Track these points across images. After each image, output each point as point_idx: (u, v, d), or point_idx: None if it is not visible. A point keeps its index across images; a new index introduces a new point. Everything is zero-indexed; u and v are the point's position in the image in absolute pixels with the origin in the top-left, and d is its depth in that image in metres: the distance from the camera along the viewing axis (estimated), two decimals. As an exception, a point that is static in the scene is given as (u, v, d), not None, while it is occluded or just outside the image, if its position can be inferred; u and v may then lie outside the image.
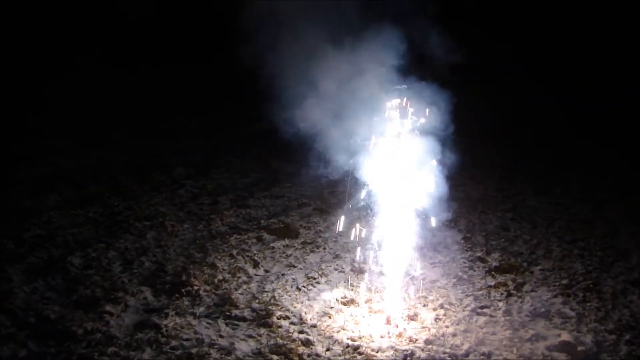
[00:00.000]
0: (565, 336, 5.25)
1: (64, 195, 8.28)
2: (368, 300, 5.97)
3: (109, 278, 6.10)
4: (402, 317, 5.68)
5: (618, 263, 6.93)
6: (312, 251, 7.10)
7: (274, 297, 5.90)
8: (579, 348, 5.12)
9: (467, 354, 5.07)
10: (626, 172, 10.25)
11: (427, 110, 5.69)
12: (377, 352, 5.06)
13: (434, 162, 5.67)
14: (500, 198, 9.13)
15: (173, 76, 14.07)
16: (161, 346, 5.00)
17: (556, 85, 13.50)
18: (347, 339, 5.26)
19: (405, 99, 5.69)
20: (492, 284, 6.40)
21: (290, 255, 6.96)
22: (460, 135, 5.99)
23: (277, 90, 6.10)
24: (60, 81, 13.05)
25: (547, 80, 13.62)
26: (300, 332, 5.31)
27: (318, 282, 6.33)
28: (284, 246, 7.17)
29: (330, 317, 5.62)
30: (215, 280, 6.15)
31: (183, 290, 5.89)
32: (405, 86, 5.69)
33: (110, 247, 6.79)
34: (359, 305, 5.90)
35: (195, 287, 5.94)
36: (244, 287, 6.11)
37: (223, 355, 4.93)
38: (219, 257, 6.68)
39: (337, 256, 6.97)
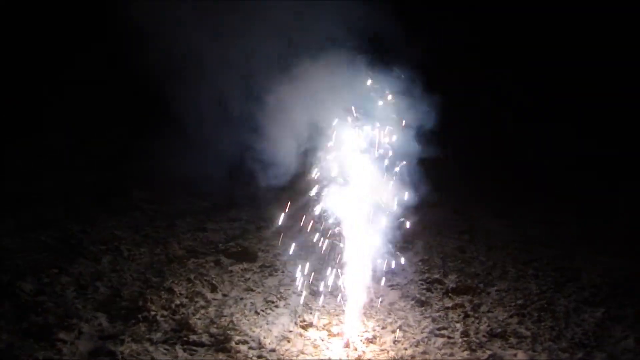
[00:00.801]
0: (521, 356, 5.34)
1: (18, 219, 8.06)
2: (327, 324, 5.96)
3: (62, 304, 5.93)
4: (361, 340, 5.69)
5: (570, 283, 7.10)
6: (270, 274, 7.07)
7: (232, 321, 5.83)
8: (535, 368, 5.21)
9: (425, 376, 5.09)
10: (583, 194, 10.54)
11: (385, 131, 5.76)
12: (336, 375, 5.05)
13: (392, 185, 5.74)
14: (457, 221, 9.26)
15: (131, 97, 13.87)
16: (116, 374, 4.89)
17: (515, 104, 13.63)
18: (307, 363, 5.23)
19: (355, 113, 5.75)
20: (450, 305, 6.47)
21: (249, 279, 6.92)
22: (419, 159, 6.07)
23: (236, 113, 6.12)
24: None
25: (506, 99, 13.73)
26: (259, 356, 5.26)
27: (277, 306, 6.29)
28: (242, 270, 7.12)
29: (289, 341, 5.58)
30: (173, 305, 6.05)
31: (139, 315, 5.77)
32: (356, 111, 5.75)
33: (64, 272, 6.61)
34: (318, 329, 5.89)
35: (152, 313, 5.83)
36: (202, 311, 6.03)
37: (180, 382, 4.85)
38: (176, 282, 6.58)
39: (295, 279, 6.94)
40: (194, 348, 5.34)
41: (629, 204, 10.01)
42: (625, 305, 6.52)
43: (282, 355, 5.33)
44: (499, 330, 5.91)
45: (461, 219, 9.38)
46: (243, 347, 5.39)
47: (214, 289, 6.54)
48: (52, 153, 11.13)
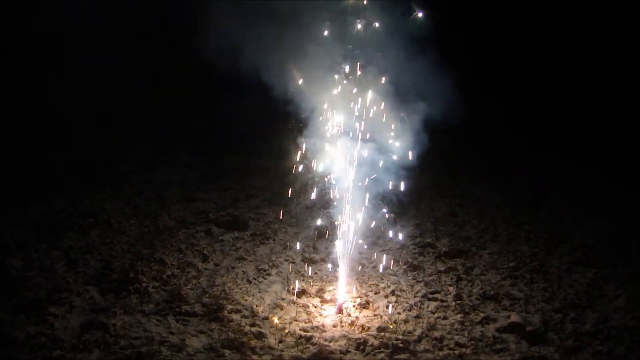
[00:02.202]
0: (514, 317, 5.34)
1: (2, 195, 7.95)
2: (319, 290, 5.95)
3: (52, 279, 5.88)
4: (354, 306, 5.69)
5: (562, 244, 7.13)
6: (262, 243, 7.04)
7: (224, 290, 5.80)
8: (528, 328, 5.21)
9: (419, 340, 5.09)
10: (570, 161, 10.55)
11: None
12: (330, 341, 5.04)
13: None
14: (448, 185, 9.24)
15: (115, 70, 13.65)
16: (110, 346, 4.84)
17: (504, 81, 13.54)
18: (300, 330, 5.22)
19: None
20: (442, 269, 6.47)
21: (240, 247, 6.88)
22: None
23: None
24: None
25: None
26: (252, 325, 5.24)
27: (269, 274, 6.27)
28: (233, 239, 7.08)
29: (282, 309, 5.57)
30: (164, 276, 6.01)
31: (131, 287, 5.73)
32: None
33: (53, 246, 6.55)
34: (310, 296, 5.88)
35: (144, 284, 5.79)
36: (194, 282, 6.00)
37: (174, 353, 4.82)
38: (167, 253, 6.53)
39: (287, 247, 6.92)
40: (187, 318, 5.31)
41: (616, 166, 10.04)
42: (616, 265, 6.56)
43: (276, 323, 5.32)
44: (492, 292, 5.92)
45: (451, 182, 9.35)
46: (236, 316, 5.36)
47: (205, 259, 6.51)
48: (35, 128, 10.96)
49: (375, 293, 5.95)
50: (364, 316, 5.51)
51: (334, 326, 5.32)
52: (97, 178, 8.89)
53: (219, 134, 11.37)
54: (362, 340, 5.06)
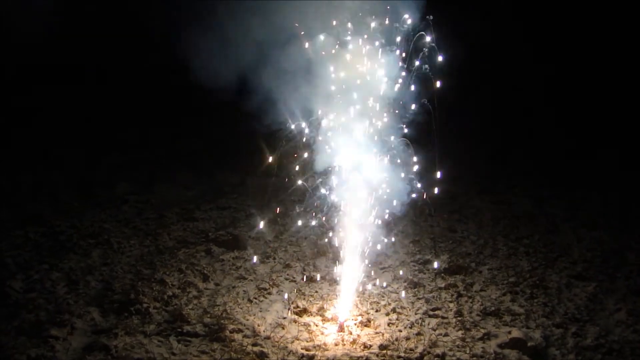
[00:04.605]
0: (516, 333, 5.35)
1: (4, 216, 7.97)
2: (320, 309, 5.95)
3: (53, 300, 5.88)
4: (355, 324, 5.69)
5: (561, 258, 7.16)
6: (262, 262, 7.04)
7: (225, 310, 5.81)
8: (529, 344, 5.22)
9: (421, 357, 5.10)
10: (564, 168, 10.63)
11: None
12: (332, 360, 5.05)
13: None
14: (445, 200, 9.26)
15: (110, 90, 13.71)
16: (111, 368, 4.85)
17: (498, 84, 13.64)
18: (302, 349, 5.22)
19: None
20: (443, 285, 6.48)
21: (241, 267, 6.88)
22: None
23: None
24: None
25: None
26: (254, 344, 5.24)
27: (269, 293, 6.28)
28: (233, 258, 7.09)
29: (283, 328, 5.58)
30: (165, 297, 6.01)
31: (132, 308, 5.73)
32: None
33: (54, 268, 6.55)
34: (311, 314, 5.88)
35: (145, 305, 5.79)
36: (195, 301, 6.00)
37: (176, 374, 4.83)
38: (167, 273, 6.54)
39: (287, 265, 6.93)
40: (188, 339, 5.30)
41: (612, 177, 10.13)
42: (616, 278, 6.59)
43: (277, 342, 5.32)
44: (493, 308, 5.93)
45: (449, 198, 9.38)
46: (237, 336, 5.36)
47: (205, 279, 6.51)
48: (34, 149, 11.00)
49: (376, 311, 5.96)
50: (365, 334, 5.52)
51: (336, 345, 5.32)
52: (96, 198, 8.91)
53: (216, 151, 11.42)
54: (364, 358, 5.06)
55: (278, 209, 8.19)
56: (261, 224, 7.91)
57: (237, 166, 10.36)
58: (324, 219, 6.07)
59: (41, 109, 12.39)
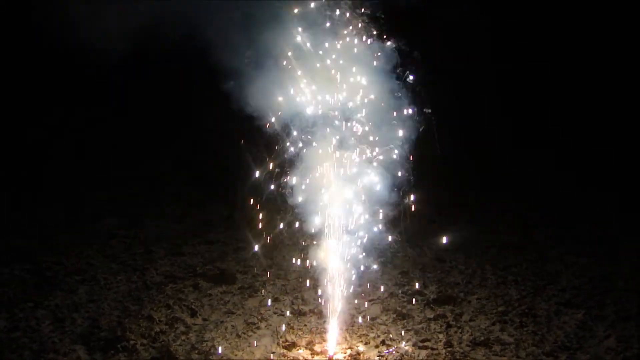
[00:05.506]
0: (506, 363, 5.34)
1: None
2: (309, 342, 5.91)
3: (37, 339, 5.79)
4: (344, 357, 5.65)
5: (550, 286, 7.16)
6: (250, 296, 7.00)
7: (214, 346, 5.75)
8: (519, 374, 5.21)
9: (411, 390, 5.07)
10: (552, 195, 10.71)
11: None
12: (321, 395, 5.01)
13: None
14: (433, 230, 9.28)
15: (95, 123, 13.67)
16: (97, 408, 4.78)
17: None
18: (291, 383, 5.18)
19: None
20: (432, 316, 6.46)
21: (229, 301, 6.83)
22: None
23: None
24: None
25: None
26: (243, 380, 5.19)
27: (258, 328, 6.22)
28: (221, 292, 7.04)
29: (272, 363, 5.53)
30: (152, 333, 5.95)
31: (119, 345, 5.66)
32: None
33: (39, 305, 6.47)
34: (300, 348, 5.84)
35: (132, 342, 5.72)
36: (183, 337, 5.94)
37: (163, 412, 4.76)
38: (155, 309, 6.48)
39: (276, 299, 6.88)
40: (176, 376, 5.25)
41: (597, 204, 10.21)
42: (605, 305, 6.60)
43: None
44: (482, 338, 5.91)
45: (437, 227, 9.40)
46: (226, 372, 5.32)
47: (193, 314, 6.46)
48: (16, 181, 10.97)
49: (366, 343, 5.92)
50: (355, 367, 5.48)
51: (325, 379, 5.28)
52: (83, 233, 8.85)
53: (204, 184, 11.41)
54: (353, 392, 5.03)
55: (269, 238, 8.15)
56: (249, 257, 7.89)
57: (226, 198, 10.33)
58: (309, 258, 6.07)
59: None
